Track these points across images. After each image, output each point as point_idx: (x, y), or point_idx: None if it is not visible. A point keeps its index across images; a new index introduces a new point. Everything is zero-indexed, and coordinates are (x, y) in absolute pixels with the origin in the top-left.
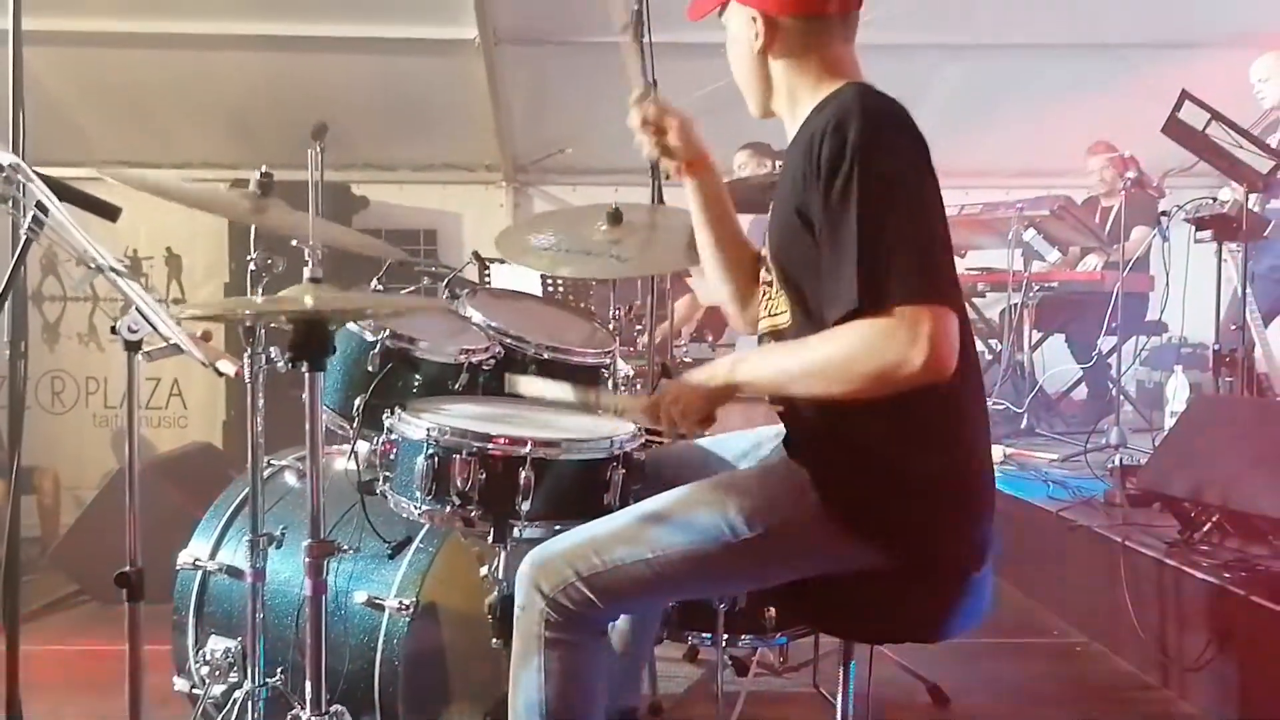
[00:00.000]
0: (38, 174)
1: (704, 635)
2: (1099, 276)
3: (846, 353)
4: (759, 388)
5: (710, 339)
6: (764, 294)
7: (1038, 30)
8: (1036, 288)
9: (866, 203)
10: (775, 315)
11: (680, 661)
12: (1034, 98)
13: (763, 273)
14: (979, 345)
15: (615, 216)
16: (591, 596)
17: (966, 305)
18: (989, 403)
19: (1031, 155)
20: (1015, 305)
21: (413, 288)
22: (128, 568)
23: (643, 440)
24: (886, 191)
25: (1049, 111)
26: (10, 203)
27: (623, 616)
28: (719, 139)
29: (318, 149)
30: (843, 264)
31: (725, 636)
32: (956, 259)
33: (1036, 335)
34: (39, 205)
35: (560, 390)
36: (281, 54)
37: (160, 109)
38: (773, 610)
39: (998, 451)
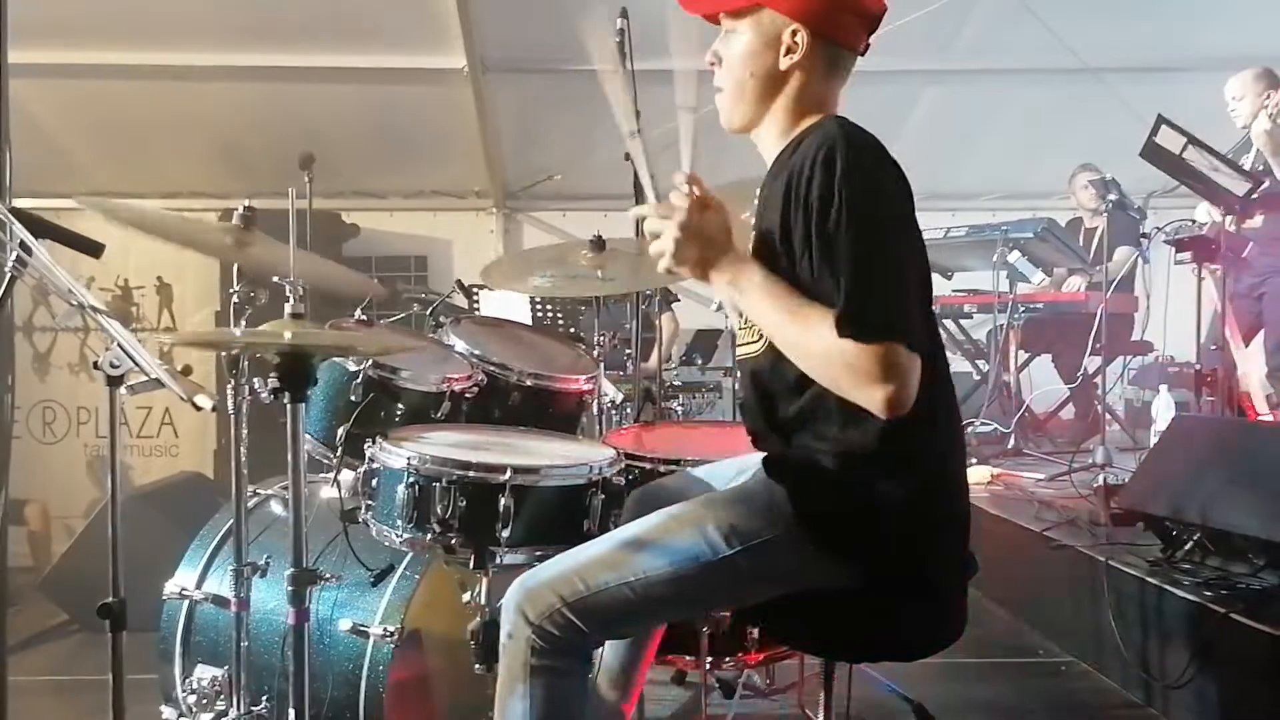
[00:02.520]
0: (18, 211)
1: (689, 657)
2: (1083, 297)
3: (825, 360)
4: (743, 304)
5: (700, 361)
6: (741, 322)
7: (1019, 56)
8: (1022, 309)
9: (859, 240)
10: (749, 344)
11: (667, 684)
12: (1017, 122)
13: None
14: (966, 366)
15: (598, 244)
16: (577, 622)
17: (952, 326)
18: (977, 423)
19: (1016, 178)
20: (1001, 326)
21: (401, 315)
22: (110, 599)
23: (622, 466)
24: (876, 230)
25: (1032, 135)
26: None
27: (615, 658)
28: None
29: (305, 179)
30: (837, 276)
31: (710, 659)
32: (943, 280)
33: (1023, 356)
34: (22, 244)
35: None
36: (271, 84)
37: (150, 139)
38: (756, 632)
39: (985, 472)
